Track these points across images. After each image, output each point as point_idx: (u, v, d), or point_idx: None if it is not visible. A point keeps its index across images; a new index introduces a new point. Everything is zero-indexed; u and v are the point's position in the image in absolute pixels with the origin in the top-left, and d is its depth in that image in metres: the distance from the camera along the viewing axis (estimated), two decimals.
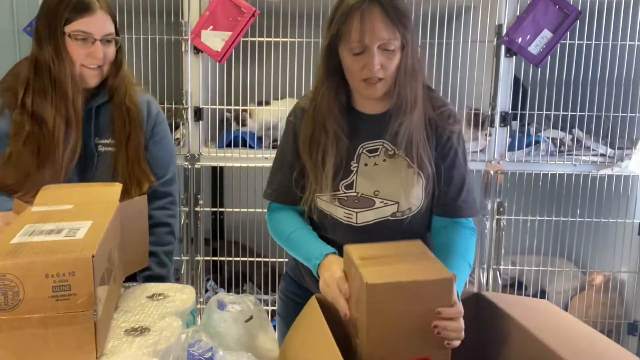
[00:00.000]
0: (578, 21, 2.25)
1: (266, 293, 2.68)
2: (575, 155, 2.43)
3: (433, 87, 1.38)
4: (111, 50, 1.44)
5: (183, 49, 2.31)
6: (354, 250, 1.12)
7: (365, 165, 1.31)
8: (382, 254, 1.10)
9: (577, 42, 2.34)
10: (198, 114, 2.35)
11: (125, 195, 1.34)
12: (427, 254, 1.13)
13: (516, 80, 2.39)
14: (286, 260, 1.62)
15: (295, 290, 1.51)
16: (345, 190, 1.31)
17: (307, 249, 1.29)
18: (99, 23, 1.38)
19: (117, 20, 1.48)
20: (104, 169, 1.46)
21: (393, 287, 1.01)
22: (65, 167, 1.40)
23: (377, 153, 1.31)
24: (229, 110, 2.46)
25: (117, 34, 1.46)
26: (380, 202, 1.31)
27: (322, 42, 1.29)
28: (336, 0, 1.25)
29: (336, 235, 1.34)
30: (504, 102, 2.34)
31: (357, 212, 1.31)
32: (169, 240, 1.57)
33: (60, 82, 1.38)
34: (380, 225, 1.32)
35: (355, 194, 1.31)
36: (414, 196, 1.30)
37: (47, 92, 1.38)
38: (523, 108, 2.38)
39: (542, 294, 2.60)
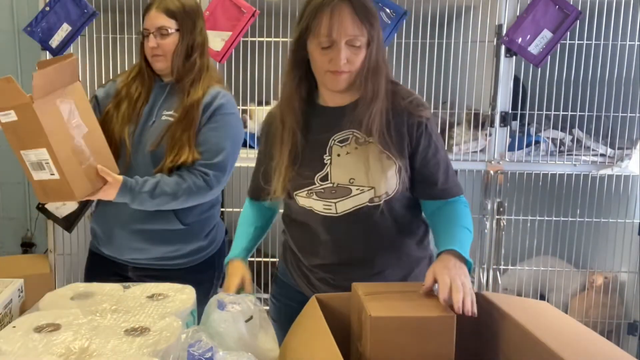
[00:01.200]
0: (578, 21, 2.25)
1: (266, 293, 2.68)
2: (575, 155, 2.43)
3: (432, 86, 1.40)
4: (167, 41, 1.68)
5: None
6: (360, 287, 1.15)
7: (338, 155, 1.33)
8: (387, 290, 1.14)
9: (577, 42, 2.34)
10: None
11: (164, 160, 1.63)
12: (430, 293, 1.16)
13: (516, 80, 2.39)
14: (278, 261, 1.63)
15: (286, 293, 1.52)
16: (321, 183, 1.33)
17: (234, 244, 1.50)
18: (152, 20, 1.68)
19: (180, 16, 1.68)
20: (157, 131, 1.68)
21: (396, 321, 1.05)
22: (124, 128, 1.71)
23: (348, 142, 1.33)
24: None
25: (179, 28, 1.68)
26: (357, 189, 1.32)
27: (291, 36, 1.35)
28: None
29: (319, 230, 1.37)
30: (504, 102, 2.34)
31: (335, 203, 1.33)
32: (168, 182, 1.61)
33: (140, 70, 1.77)
34: (360, 212, 1.33)
35: (331, 184, 1.33)
36: (389, 180, 1.32)
37: (136, 78, 1.77)
38: (523, 108, 2.38)
39: (542, 295, 2.60)
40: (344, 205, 1.33)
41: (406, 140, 1.33)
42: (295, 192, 1.37)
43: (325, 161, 1.34)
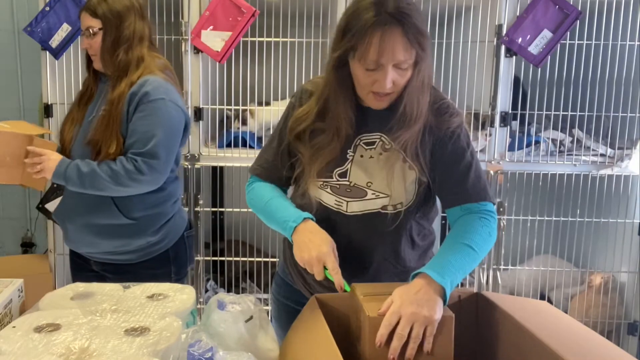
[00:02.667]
0: (578, 21, 2.25)
1: (266, 292, 2.68)
2: (575, 155, 2.43)
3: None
4: (94, 40, 1.74)
5: (183, 49, 2.31)
6: (358, 287, 1.14)
7: (361, 156, 1.31)
8: (385, 292, 1.13)
9: (577, 42, 2.34)
10: (198, 114, 2.35)
11: (96, 153, 1.69)
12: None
13: (516, 80, 2.39)
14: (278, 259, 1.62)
15: (284, 292, 1.51)
16: (338, 178, 1.32)
17: (283, 213, 1.29)
18: (82, 21, 1.76)
19: (105, 15, 1.72)
20: (92, 126, 1.74)
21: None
22: (74, 125, 1.81)
23: (374, 146, 1.31)
24: (229, 110, 2.46)
25: (103, 27, 1.72)
26: (372, 193, 1.31)
27: (332, 50, 1.25)
28: (350, 9, 1.20)
29: (323, 225, 1.30)
30: (504, 102, 2.34)
31: (347, 201, 1.32)
32: (103, 170, 1.66)
33: (86, 67, 1.85)
34: (369, 216, 1.32)
35: (348, 182, 1.31)
36: (407, 190, 1.31)
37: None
38: (523, 108, 2.38)
39: (542, 294, 2.60)
40: (356, 207, 1.32)
41: (434, 148, 1.30)
42: (309, 179, 1.33)
43: (347, 157, 1.31)
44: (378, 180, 1.30)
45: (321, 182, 1.33)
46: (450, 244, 1.22)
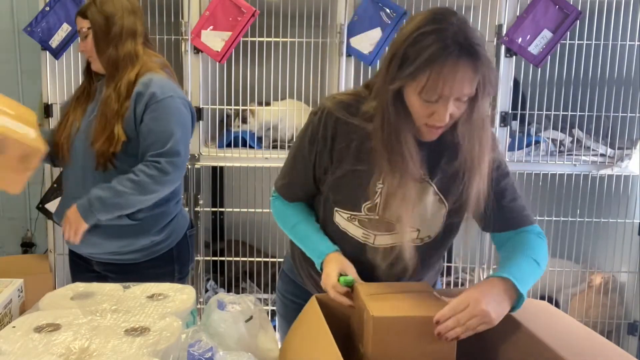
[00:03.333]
0: (578, 21, 2.25)
1: (266, 292, 2.68)
2: (575, 155, 2.43)
3: None
4: (86, 41, 1.75)
5: (183, 49, 2.31)
6: (362, 287, 1.14)
7: (412, 207, 1.21)
8: (388, 291, 1.13)
9: (577, 42, 2.34)
10: (198, 114, 2.35)
11: (94, 148, 1.67)
12: (432, 293, 1.16)
13: (515, 83, 2.39)
14: (283, 258, 1.61)
15: (293, 290, 1.50)
16: (367, 213, 1.26)
17: (312, 244, 1.31)
18: (77, 24, 1.77)
19: (93, 16, 1.73)
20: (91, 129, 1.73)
21: (398, 321, 1.05)
22: (72, 126, 1.79)
23: None
24: (229, 110, 2.46)
25: (91, 26, 1.72)
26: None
27: (386, 81, 1.12)
28: (407, 35, 1.08)
29: (346, 252, 1.28)
30: (503, 102, 2.34)
31: (376, 235, 1.28)
32: (126, 185, 1.65)
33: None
34: (396, 248, 1.27)
35: (377, 217, 1.25)
36: (436, 224, 1.27)
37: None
38: (522, 109, 2.38)
39: (542, 295, 2.60)
40: (384, 240, 1.28)
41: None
42: (336, 208, 1.29)
43: (377, 189, 1.23)
44: (408, 214, 1.22)
45: (349, 215, 1.28)
46: (522, 257, 1.19)
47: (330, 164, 1.27)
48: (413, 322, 1.05)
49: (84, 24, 1.73)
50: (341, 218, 1.30)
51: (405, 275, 1.32)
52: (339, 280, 1.17)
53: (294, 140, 1.41)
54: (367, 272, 1.26)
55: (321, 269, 1.25)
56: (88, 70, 1.81)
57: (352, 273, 1.20)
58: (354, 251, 1.29)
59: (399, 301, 1.10)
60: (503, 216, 1.26)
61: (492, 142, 1.21)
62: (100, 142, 1.67)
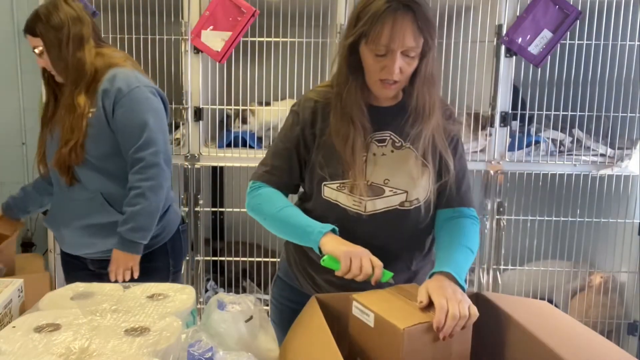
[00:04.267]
0: (578, 21, 2.25)
1: (266, 293, 2.68)
2: (575, 155, 2.43)
3: None
4: (43, 58, 1.74)
5: (183, 49, 2.31)
6: (359, 297, 1.13)
7: (374, 154, 1.33)
8: (386, 298, 1.12)
9: (577, 42, 2.34)
10: (198, 114, 2.35)
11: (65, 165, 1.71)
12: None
13: (515, 90, 2.39)
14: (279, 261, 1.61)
15: (288, 294, 1.50)
16: (353, 178, 1.31)
17: (305, 221, 1.29)
18: (30, 43, 1.75)
19: (40, 30, 1.71)
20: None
21: (424, 329, 1.04)
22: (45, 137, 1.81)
23: (385, 144, 1.33)
24: (229, 110, 2.46)
25: (44, 43, 1.71)
26: (390, 190, 1.32)
27: (343, 38, 1.30)
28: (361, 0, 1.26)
29: (340, 227, 1.30)
30: (504, 102, 2.34)
31: (366, 201, 1.32)
32: (138, 201, 1.69)
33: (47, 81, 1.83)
34: (387, 214, 1.33)
35: (365, 182, 1.32)
36: (422, 187, 1.33)
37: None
38: (521, 118, 2.39)
39: (542, 294, 2.60)
40: (374, 205, 1.32)
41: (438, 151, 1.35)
42: (324, 183, 1.34)
43: (362, 156, 1.32)
44: (394, 177, 1.32)
45: (338, 184, 1.33)
46: (456, 246, 1.29)
47: (313, 143, 1.35)
48: (431, 327, 1.05)
49: (36, 43, 1.72)
50: (331, 190, 1.34)
51: (402, 249, 1.36)
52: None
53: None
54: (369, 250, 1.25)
55: (319, 250, 1.23)
56: (49, 85, 1.81)
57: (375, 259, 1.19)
58: (348, 224, 1.31)
59: (407, 307, 1.09)
60: (450, 192, 1.37)
61: (443, 104, 1.36)
62: (66, 151, 1.70)
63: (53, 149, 1.76)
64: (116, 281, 1.72)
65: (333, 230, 1.25)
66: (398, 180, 1.32)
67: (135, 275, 1.73)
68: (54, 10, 1.70)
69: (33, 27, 1.71)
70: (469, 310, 1.08)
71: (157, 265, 1.82)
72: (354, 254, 1.17)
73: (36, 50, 1.72)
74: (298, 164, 1.38)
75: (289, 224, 1.31)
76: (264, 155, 1.44)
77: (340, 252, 1.18)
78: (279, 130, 2.54)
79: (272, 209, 1.34)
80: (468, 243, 1.30)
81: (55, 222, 1.84)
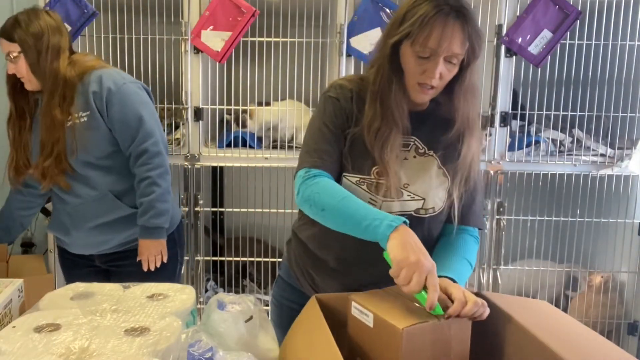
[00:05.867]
0: (578, 21, 2.25)
1: (266, 293, 2.68)
2: (575, 155, 2.43)
3: None
4: (18, 65, 1.73)
5: (183, 49, 2.31)
6: (358, 297, 1.12)
7: (396, 157, 1.30)
8: (383, 298, 1.11)
9: (577, 42, 2.34)
10: (198, 114, 2.35)
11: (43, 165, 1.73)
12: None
13: (515, 93, 2.39)
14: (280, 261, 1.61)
15: (289, 295, 1.50)
16: (377, 176, 1.29)
17: (372, 212, 1.17)
18: (4, 48, 1.74)
19: (18, 36, 1.72)
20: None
21: (423, 329, 1.03)
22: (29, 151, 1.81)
23: (408, 148, 1.32)
24: (229, 111, 2.46)
25: (22, 49, 1.71)
26: (408, 195, 1.31)
27: (386, 36, 1.27)
28: (407, 2, 1.24)
29: None
30: (503, 102, 2.34)
31: (382, 201, 1.30)
32: (152, 190, 1.76)
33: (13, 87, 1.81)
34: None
35: (396, 182, 1.30)
36: (439, 196, 1.32)
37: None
38: (522, 118, 2.39)
39: (542, 294, 2.60)
40: (389, 207, 1.30)
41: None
42: (345, 174, 1.32)
43: (396, 158, 1.30)
44: (415, 183, 1.31)
45: (358, 178, 1.31)
46: (457, 257, 1.29)
47: (347, 130, 1.31)
48: (435, 327, 1.04)
49: (12, 48, 1.72)
50: (349, 183, 1.31)
51: None
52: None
53: (310, 123, 1.37)
54: (371, 249, 1.20)
55: (386, 240, 1.12)
56: (15, 92, 1.80)
57: (432, 279, 1.07)
58: None
59: (406, 307, 1.09)
60: (464, 211, 1.35)
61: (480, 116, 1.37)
62: (48, 160, 1.72)
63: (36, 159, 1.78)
64: (144, 274, 1.79)
65: (405, 222, 1.14)
66: (417, 186, 1.31)
67: (165, 259, 1.80)
68: (35, 18, 1.72)
69: (11, 32, 1.71)
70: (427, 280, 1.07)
71: (169, 255, 1.87)
72: (410, 264, 1.05)
73: (11, 55, 1.72)
74: (340, 150, 1.33)
75: (353, 216, 1.18)
76: (306, 144, 1.34)
77: (397, 257, 1.07)
78: (279, 130, 2.56)
79: (332, 199, 1.21)
80: (468, 257, 1.30)
81: (63, 227, 1.85)
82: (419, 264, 1.05)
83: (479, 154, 1.33)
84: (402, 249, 1.07)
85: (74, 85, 1.73)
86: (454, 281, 1.18)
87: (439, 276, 1.13)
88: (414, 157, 1.32)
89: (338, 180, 1.32)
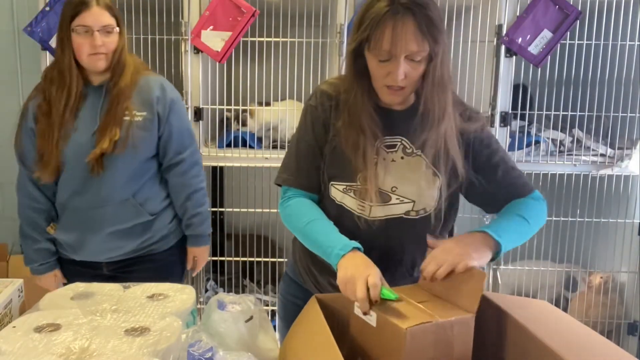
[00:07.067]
0: (578, 21, 2.25)
1: (266, 293, 2.68)
2: (575, 155, 2.43)
3: None
4: (110, 39, 1.67)
5: (183, 49, 2.31)
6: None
7: (384, 159, 1.29)
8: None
9: (577, 42, 2.34)
10: (198, 114, 2.35)
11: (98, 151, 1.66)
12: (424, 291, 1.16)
13: (524, 88, 2.39)
14: (287, 260, 1.61)
15: (294, 292, 1.50)
16: (362, 182, 1.28)
17: (327, 239, 1.23)
18: (96, 17, 1.64)
19: (117, 13, 1.71)
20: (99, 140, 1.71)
21: (427, 329, 1.03)
22: (64, 138, 1.69)
23: (395, 149, 1.30)
24: (229, 110, 2.46)
25: (118, 25, 1.69)
26: (397, 198, 1.30)
27: (348, 44, 1.27)
28: (365, 3, 1.22)
29: (343, 228, 1.29)
30: (504, 102, 2.34)
31: (371, 206, 1.29)
32: (205, 200, 1.88)
33: (61, 72, 1.68)
34: (392, 221, 1.30)
35: (376, 188, 1.29)
36: (430, 197, 1.30)
37: (54, 82, 1.69)
38: (523, 109, 2.38)
39: (542, 294, 2.60)
40: (378, 212, 1.30)
41: (471, 155, 1.31)
42: (332, 182, 1.32)
43: (373, 163, 1.29)
44: (403, 185, 1.29)
45: (344, 186, 1.31)
46: (508, 215, 1.28)
47: (327, 139, 1.32)
48: (439, 327, 1.04)
49: (112, 22, 1.67)
50: (337, 191, 1.32)
51: (403, 256, 1.34)
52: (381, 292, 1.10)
53: (294, 134, 1.42)
54: (371, 250, 1.22)
55: (336, 268, 1.18)
56: (77, 73, 1.70)
57: (372, 278, 1.10)
58: (351, 227, 1.30)
59: (409, 307, 1.08)
60: (501, 192, 1.33)
61: (461, 106, 1.33)
62: (105, 145, 1.67)
63: (81, 146, 1.69)
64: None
65: (356, 248, 1.18)
66: (406, 189, 1.29)
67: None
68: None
69: (110, 5, 1.69)
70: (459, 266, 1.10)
71: (182, 258, 1.90)
72: (348, 280, 1.10)
73: (109, 29, 1.66)
74: (320, 160, 1.34)
75: (315, 241, 1.26)
76: (285, 157, 1.39)
77: (340, 279, 1.13)
78: (279, 130, 2.56)
79: (299, 222, 1.30)
80: (523, 213, 1.26)
81: (77, 230, 1.76)
82: (355, 274, 1.10)
83: (454, 142, 1.27)
84: (345, 271, 1.13)
85: (135, 81, 1.73)
86: (488, 235, 1.18)
87: (477, 230, 1.20)
88: (402, 157, 1.30)
89: (326, 189, 1.33)
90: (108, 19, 1.66)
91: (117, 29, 1.69)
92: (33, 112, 1.73)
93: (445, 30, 1.21)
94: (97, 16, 1.64)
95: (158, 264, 1.82)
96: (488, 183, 1.32)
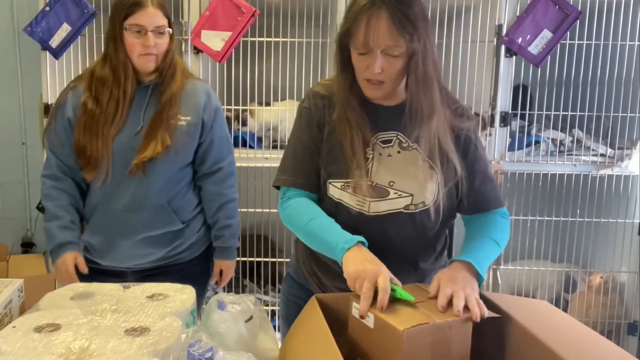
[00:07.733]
0: (578, 21, 2.25)
1: (266, 293, 2.68)
2: (575, 155, 2.43)
3: None
4: (162, 40, 1.66)
5: (183, 49, 2.31)
6: (357, 298, 1.11)
7: (380, 154, 1.30)
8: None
9: (577, 42, 2.34)
10: None
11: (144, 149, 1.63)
12: (425, 293, 1.16)
13: (524, 88, 2.39)
14: (287, 260, 1.61)
15: (296, 292, 1.50)
16: (353, 176, 1.29)
17: (331, 234, 1.23)
18: (151, 17, 1.62)
19: (169, 14, 1.69)
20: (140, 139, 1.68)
21: (424, 331, 1.02)
22: (111, 137, 1.65)
23: (391, 144, 1.31)
24: (229, 110, 2.46)
25: (169, 26, 1.68)
26: (395, 193, 1.30)
27: (335, 39, 1.30)
28: None
29: (344, 225, 1.28)
30: (504, 102, 2.34)
31: (370, 202, 1.30)
32: (236, 212, 1.85)
33: (115, 70, 1.65)
34: (392, 217, 1.31)
35: (370, 182, 1.30)
36: (429, 190, 1.30)
37: (106, 80, 1.66)
38: (523, 109, 2.39)
39: (542, 294, 2.60)
40: (378, 207, 1.30)
41: (460, 151, 1.32)
42: (330, 180, 1.32)
43: (367, 156, 1.30)
44: (400, 179, 1.30)
45: (342, 183, 1.31)
46: (480, 237, 1.30)
47: (322, 138, 1.34)
48: (436, 328, 1.04)
49: (165, 22, 1.65)
50: (335, 189, 1.32)
51: (405, 251, 1.34)
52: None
53: (289, 137, 1.43)
54: (372, 251, 1.22)
55: (341, 261, 1.18)
56: (132, 73, 1.67)
57: (383, 280, 1.10)
58: (350, 224, 1.30)
59: (407, 308, 1.08)
60: (474, 199, 1.35)
61: (452, 102, 1.33)
62: (159, 149, 1.64)
63: (123, 144, 1.65)
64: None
65: (361, 242, 1.19)
66: (404, 183, 1.29)
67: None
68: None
69: (165, 7, 1.67)
70: (473, 307, 1.07)
71: (207, 267, 1.89)
72: (359, 274, 1.11)
73: (162, 30, 1.64)
74: (317, 160, 1.35)
75: (317, 238, 1.27)
76: (282, 159, 1.40)
77: (348, 273, 1.13)
78: (279, 130, 2.56)
79: (300, 221, 1.30)
80: (494, 235, 1.29)
81: (109, 233, 1.71)
82: (366, 271, 1.11)
83: (447, 138, 1.28)
84: (352, 265, 1.14)
85: (184, 85, 1.71)
86: (472, 266, 1.18)
87: (459, 260, 1.21)
88: (398, 152, 1.31)
89: (325, 188, 1.34)
90: (161, 20, 1.64)
91: (170, 30, 1.67)
92: (73, 104, 1.68)
93: (428, 27, 1.22)
94: (152, 16, 1.62)
95: (183, 274, 1.71)
96: (473, 183, 1.34)
